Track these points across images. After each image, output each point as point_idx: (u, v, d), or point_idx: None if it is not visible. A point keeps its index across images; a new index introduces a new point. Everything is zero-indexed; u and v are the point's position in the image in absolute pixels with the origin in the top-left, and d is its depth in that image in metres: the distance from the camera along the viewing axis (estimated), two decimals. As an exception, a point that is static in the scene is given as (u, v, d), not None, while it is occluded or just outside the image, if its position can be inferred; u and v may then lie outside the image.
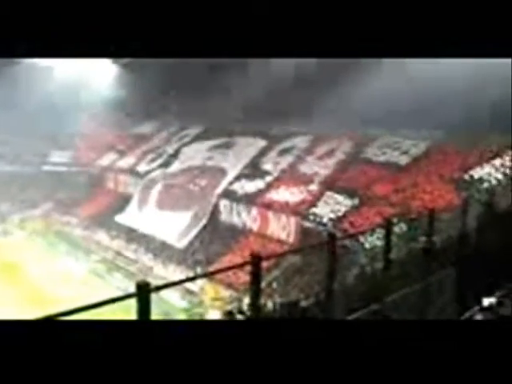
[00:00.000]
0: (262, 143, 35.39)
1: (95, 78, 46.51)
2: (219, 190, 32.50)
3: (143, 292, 3.12)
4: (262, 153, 34.35)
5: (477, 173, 22.76)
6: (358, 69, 24.96)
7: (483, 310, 3.75)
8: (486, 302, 3.77)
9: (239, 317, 6.76)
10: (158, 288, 3.42)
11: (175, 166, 38.54)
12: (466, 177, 22.87)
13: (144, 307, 3.15)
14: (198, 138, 40.94)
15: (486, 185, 21.74)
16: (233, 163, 34.78)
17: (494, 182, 21.64)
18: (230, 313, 6.91)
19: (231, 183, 32.55)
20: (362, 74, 25.76)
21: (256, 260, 4.02)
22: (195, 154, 38.70)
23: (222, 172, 34.37)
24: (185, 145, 41.20)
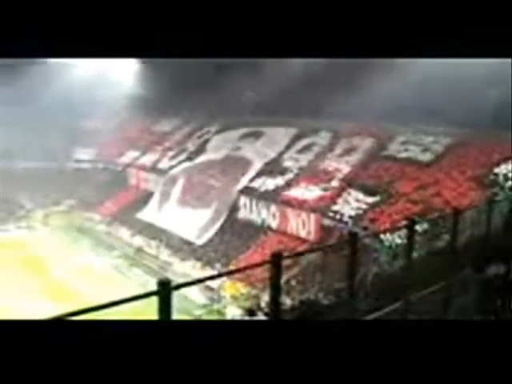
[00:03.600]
0: (292, 132, 35.14)
1: (116, 74, 46.98)
2: (241, 185, 32.54)
3: (164, 290, 3.14)
4: (291, 145, 34.14)
5: (501, 170, 22.35)
6: (378, 64, 24.64)
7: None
8: None
9: (259, 313, 6.80)
10: (179, 286, 3.44)
11: (197, 162, 38.70)
12: (490, 174, 22.47)
13: (165, 305, 3.18)
14: (226, 128, 40.88)
15: (510, 183, 21.32)
16: (261, 154, 34.70)
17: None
18: (250, 310, 6.93)
19: (252, 180, 32.56)
20: (382, 70, 25.43)
21: (277, 259, 4.01)
22: (224, 143, 38.74)
23: (247, 164, 34.33)
24: (214, 134, 41.24)
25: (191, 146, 41.76)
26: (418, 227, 6.61)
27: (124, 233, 34.97)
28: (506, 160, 22.58)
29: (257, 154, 35.03)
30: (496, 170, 22.48)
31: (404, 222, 6.14)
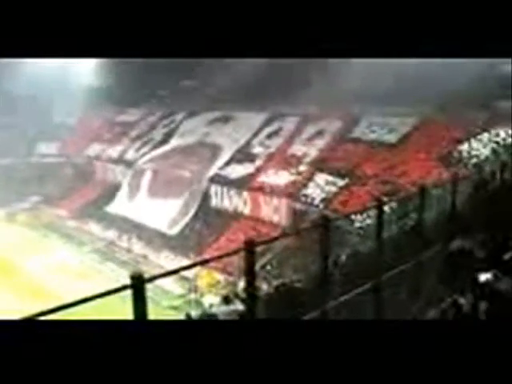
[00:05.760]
0: (261, 117, 34.88)
1: (77, 66, 45.73)
2: (211, 173, 32.34)
3: (137, 283, 3.11)
4: (260, 130, 33.98)
5: (464, 148, 22.90)
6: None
7: (479, 285, 3.78)
8: (483, 277, 3.78)
9: (236, 301, 6.82)
10: (152, 278, 3.41)
11: (165, 150, 38.16)
12: (454, 152, 22.99)
13: (139, 298, 3.16)
14: (194, 114, 40.25)
15: (474, 160, 21.88)
16: (231, 139, 34.46)
17: (482, 157, 21.78)
18: (225, 298, 6.94)
19: (222, 167, 32.41)
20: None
21: (250, 246, 4.03)
22: (192, 129, 38.22)
23: (218, 150, 34.04)
24: (182, 121, 40.62)
25: (158, 135, 41.13)
26: (386, 207, 6.72)
27: (94, 227, 34.39)
28: (469, 138, 23.14)
29: (226, 139, 34.78)
30: (460, 148, 23.02)
31: (373, 203, 6.24)
